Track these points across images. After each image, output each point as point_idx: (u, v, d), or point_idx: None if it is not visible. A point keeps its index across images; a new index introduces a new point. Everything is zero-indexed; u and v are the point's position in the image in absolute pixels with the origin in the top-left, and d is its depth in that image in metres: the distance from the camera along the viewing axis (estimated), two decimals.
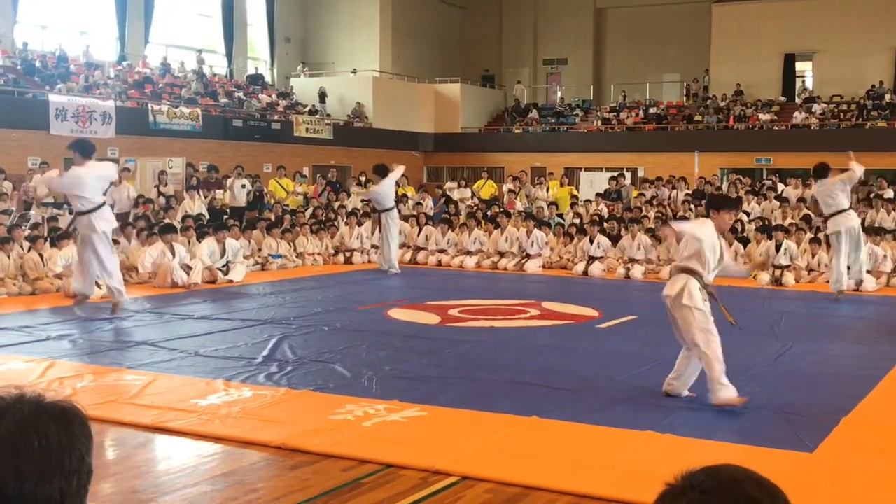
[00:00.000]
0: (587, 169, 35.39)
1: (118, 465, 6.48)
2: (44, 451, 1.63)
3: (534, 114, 41.27)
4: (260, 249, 19.40)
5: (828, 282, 17.38)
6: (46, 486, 1.63)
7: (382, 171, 18.81)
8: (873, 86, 36.60)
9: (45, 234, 16.44)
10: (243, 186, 23.92)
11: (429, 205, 26.85)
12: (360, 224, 21.13)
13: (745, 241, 18.66)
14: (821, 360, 10.40)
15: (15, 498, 1.60)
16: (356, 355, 10.21)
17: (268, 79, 38.96)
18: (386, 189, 18.70)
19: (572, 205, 24.33)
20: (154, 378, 8.90)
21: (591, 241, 19.33)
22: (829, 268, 15.99)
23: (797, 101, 38.16)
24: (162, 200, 21.60)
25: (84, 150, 12.94)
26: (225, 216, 21.64)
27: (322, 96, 37.26)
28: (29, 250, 15.49)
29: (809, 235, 18.61)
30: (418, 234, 21.50)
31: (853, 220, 15.42)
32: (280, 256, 19.35)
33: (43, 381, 8.76)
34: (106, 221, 12.86)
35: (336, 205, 24.31)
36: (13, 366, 9.51)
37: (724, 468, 1.66)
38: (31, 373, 9.11)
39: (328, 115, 36.24)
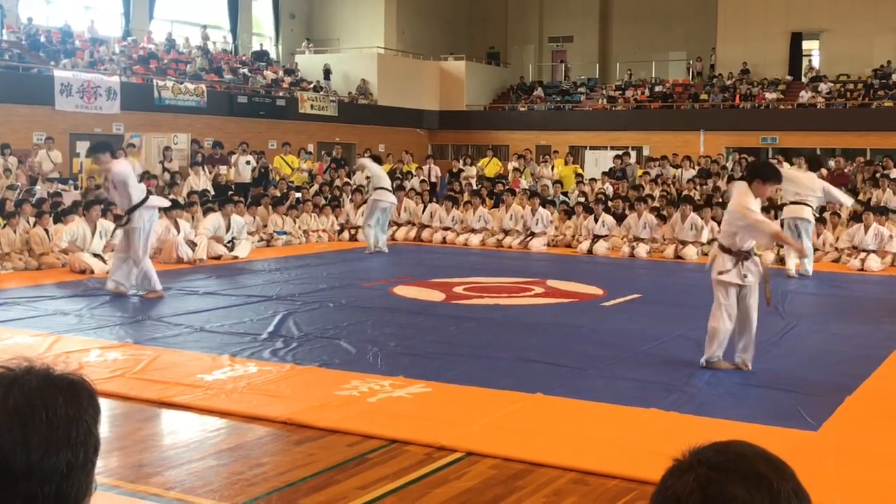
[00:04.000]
0: (592, 147, 35.30)
1: (124, 440, 6.51)
2: (51, 423, 1.64)
3: (539, 92, 41.15)
4: (265, 226, 19.42)
5: (835, 261, 17.44)
6: (53, 458, 1.63)
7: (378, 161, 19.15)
8: (881, 66, 36.42)
9: (50, 210, 16.43)
10: (248, 163, 23.93)
11: (435, 173, 26.82)
12: (365, 201, 21.12)
13: None
14: (825, 339, 10.43)
15: (21, 469, 1.60)
16: (361, 331, 10.24)
17: (273, 55, 38.85)
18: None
19: (577, 183, 24.29)
20: (160, 353, 8.94)
21: (596, 220, 19.31)
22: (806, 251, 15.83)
23: (804, 80, 37.96)
24: (167, 176, 21.60)
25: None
26: (230, 192, 21.65)
27: (327, 73, 37.16)
28: (34, 225, 15.50)
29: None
30: (423, 212, 21.49)
31: None
32: (285, 233, 19.36)
33: (49, 355, 8.77)
34: None
35: (341, 182, 24.29)
36: (19, 340, 9.54)
37: (732, 444, 1.66)
38: (38, 347, 9.14)
39: (333, 92, 36.16)
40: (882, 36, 36.90)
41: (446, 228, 20.97)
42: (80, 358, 8.67)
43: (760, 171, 8.76)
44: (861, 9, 36.91)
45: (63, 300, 12.20)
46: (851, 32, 37.13)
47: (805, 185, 15.32)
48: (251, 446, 6.43)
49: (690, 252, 17.92)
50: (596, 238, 19.13)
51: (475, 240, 20.30)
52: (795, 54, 39.15)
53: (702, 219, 18.30)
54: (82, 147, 24.49)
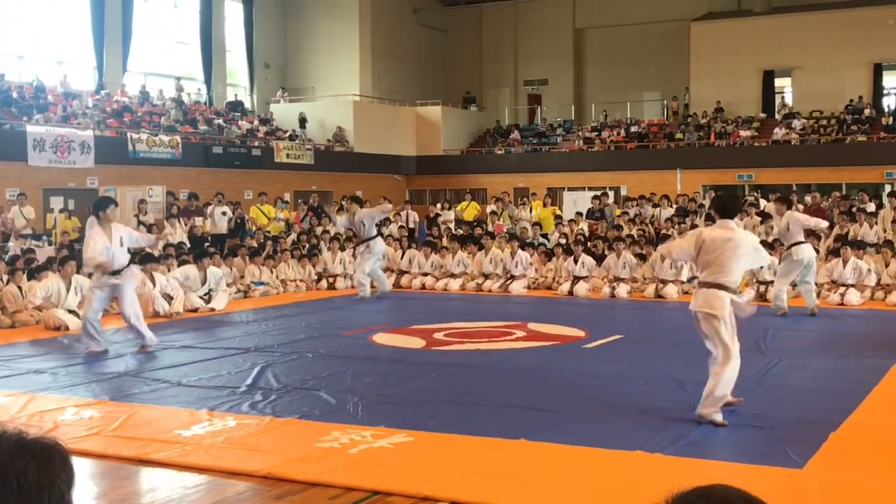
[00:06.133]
0: (570, 188, 35.50)
1: (101, 499, 6.39)
2: (21, 490, 1.59)
3: (515, 134, 41.39)
4: (242, 277, 19.30)
5: None
6: None
7: (360, 202, 19.10)
8: (852, 100, 36.86)
9: (23, 267, 16.26)
10: (224, 214, 23.88)
11: (413, 218, 26.87)
12: (342, 249, 21.05)
13: None
14: (807, 375, 10.40)
15: None
16: (341, 381, 10.14)
17: (247, 105, 38.99)
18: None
19: (556, 225, 24.32)
20: (136, 409, 8.80)
21: (576, 261, 19.30)
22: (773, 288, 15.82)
23: (777, 117, 38.38)
24: (142, 229, 21.50)
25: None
26: (206, 244, 21.57)
27: (302, 121, 37.30)
28: (7, 283, 15.34)
29: None
30: (401, 258, 21.43)
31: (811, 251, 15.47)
32: (263, 283, 19.25)
33: (24, 414, 8.64)
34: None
35: (319, 230, 24.26)
36: None
37: (714, 489, 1.63)
38: (12, 407, 8.98)
39: (309, 141, 36.25)
40: (853, 71, 37.41)
41: (425, 274, 20.91)
42: (56, 417, 8.53)
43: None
44: (831, 45, 37.43)
45: (37, 358, 12.04)
46: (822, 69, 37.64)
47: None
48: (231, 502, 6.32)
49: (671, 291, 17.92)
50: (576, 279, 19.11)
51: (455, 284, 20.25)
52: (768, 92, 39.64)
53: None
54: (56, 202, 24.44)
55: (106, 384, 10.24)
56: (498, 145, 41.13)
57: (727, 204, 8.77)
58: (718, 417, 7.98)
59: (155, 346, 12.40)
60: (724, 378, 7.99)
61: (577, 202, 31.05)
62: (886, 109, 37.46)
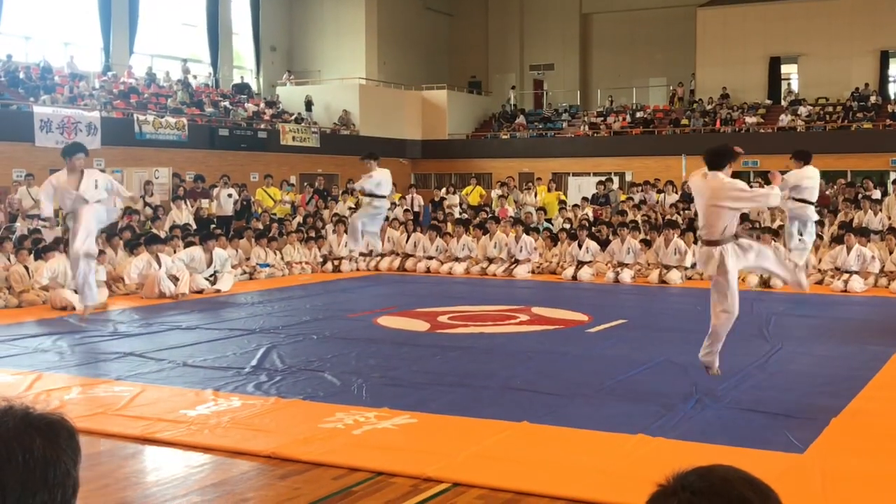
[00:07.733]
0: (575, 174, 35.45)
1: (107, 478, 6.43)
2: (27, 465, 1.61)
3: (521, 119, 41.30)
4: (248, 259, 19.34)
5: (818, 283, 17.40)
6: (29, 500, 1.61)
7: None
8: (858, 88, 36.73)
9: (30, 247, 16.30)
10: (230, 196, 23.87)
11: (418, 202, 26.83)
12: (347, 232, 21.04)
13: None
14: (810, 361, 10.42)
15: None
16: (345, 363, 10.18)
17: (254, 88, 38.90)
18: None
19: (561, 210, 24.31)
20: (142, 389, 8.86)
21: (580, 246, 19.31)
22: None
23: (783, 103, 38.24)
24: (149, 211, 21.53)
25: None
26: (212, 226, 21.58)
27: (308, 104, 37.22)
28: (14, 262, 15.39)
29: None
30: (407, 241, 21.46)
31: None
32: (268, 265, 19.30)
33: (30, 393, 8.70)
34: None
35: (325, 213, 24.26)
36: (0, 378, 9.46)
37: (715, 469, 1.65)
38: (18, 385, 9.04)
39: (315, 124, 36.20)
40: (859, 58, 37.27)
41: (430, 258, 20.94)
42: (62, 396, 8.59)
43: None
44: (838, 32, 37.27)
45: (44, 337, 12.09)
46: (829, 56, 37.50)
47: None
48: (235, 481, 6.37)
49: (674, 276, 17.93)
50: (580, 264, 19.13)
51: (459, 268, 20.27)
52: (774, 78, 39.48)
53: (685, 243, 18.34)
54: None
55: (112, 364, 10.30)
56: (503, 130, 41.06)
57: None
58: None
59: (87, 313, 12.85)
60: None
61: (581, 187, 31.05)
62: (893, 97, 37.35)
